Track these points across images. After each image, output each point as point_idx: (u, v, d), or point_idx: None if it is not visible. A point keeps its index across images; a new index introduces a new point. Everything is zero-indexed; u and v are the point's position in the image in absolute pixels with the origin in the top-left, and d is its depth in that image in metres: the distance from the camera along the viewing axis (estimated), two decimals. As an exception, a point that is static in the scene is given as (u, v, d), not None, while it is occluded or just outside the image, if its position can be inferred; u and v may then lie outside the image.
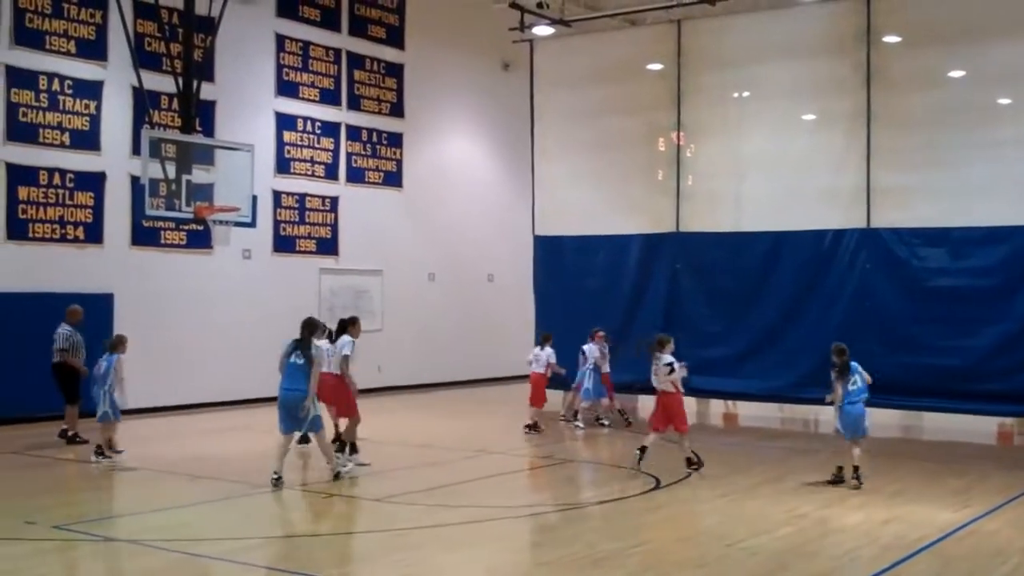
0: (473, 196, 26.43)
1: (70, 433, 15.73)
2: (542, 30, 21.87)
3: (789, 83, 19.05)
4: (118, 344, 14.41)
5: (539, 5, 21.47)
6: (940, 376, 17.09)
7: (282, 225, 22.18)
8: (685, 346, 19.52)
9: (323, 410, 13.34)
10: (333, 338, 14.48)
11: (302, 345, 12.59)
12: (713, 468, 14.00)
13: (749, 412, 20.28)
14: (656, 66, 20.55)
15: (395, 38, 24.65)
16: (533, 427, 17.40)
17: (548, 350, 17.75)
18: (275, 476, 12.32)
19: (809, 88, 18.91)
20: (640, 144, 20.75)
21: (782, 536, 10.32)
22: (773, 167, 19.10)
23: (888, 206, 17.90)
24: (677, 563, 9.42)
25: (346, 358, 13.79)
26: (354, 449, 13.91)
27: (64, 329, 15.87)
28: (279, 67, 22.19)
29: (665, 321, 19.68)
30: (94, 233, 18.96)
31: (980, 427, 17.92)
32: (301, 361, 12.47)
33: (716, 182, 19.83)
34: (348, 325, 14.27)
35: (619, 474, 14.14)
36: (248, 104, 21.52)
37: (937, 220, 17.51)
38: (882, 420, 18.69)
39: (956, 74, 17.83)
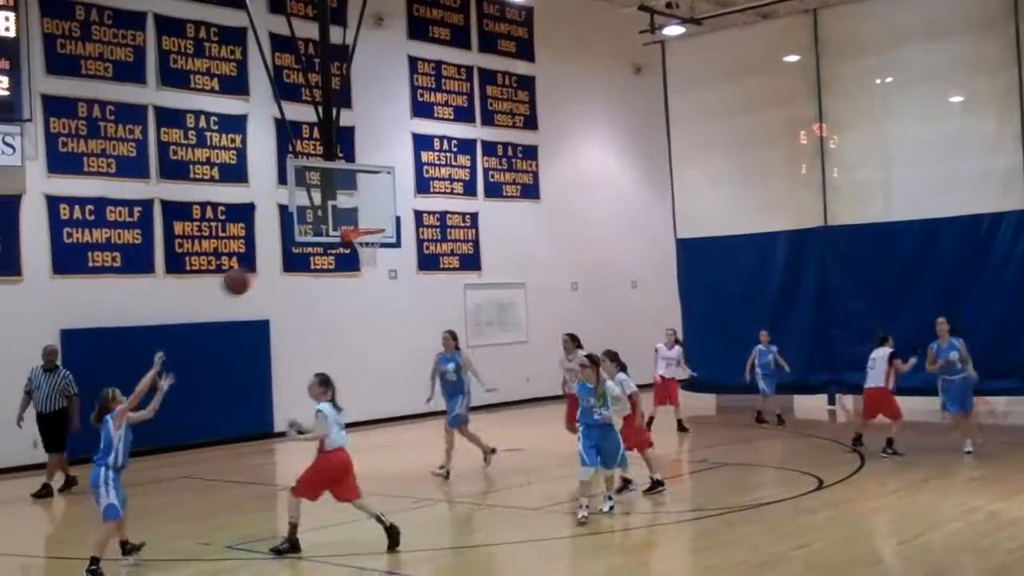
0: (611, 203, 26.29)
1: (49, 482, 14.23)
2: (673, 30, 21.68)
3: (934, 66, 18.43)
4: None
5: (668, 5, 21.30)
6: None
7: (425, 244, 22.47)
8: (842, 342, 19.14)
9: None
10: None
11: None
12: (880, 464, 13.66)
13: (909, 406, 19.60)
14: (792, 58, 20.16)
15: (525, 51, 24.75)
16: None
17: (677, 349, 18.17)
18: None
19: (955, 69, 18.25)
20: (780, 139, 20.39)
21: (954, 531, 9.98)
22: (922, 153, 18.52)
23: (1047, 186, 17.18)
24: (847, 563, 9.16)
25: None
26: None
27: (32, 371, 14.64)
28: (413, 88, 22.51)
29: (819, 318, 19.25)
30: (247, 262, 19.51)
31: None
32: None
33: (863, 172, 19.35)
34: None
35: (777, 476, 13.87)
36: (386, 127, 21.88)
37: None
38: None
39: (1113, 42, 17.00)
